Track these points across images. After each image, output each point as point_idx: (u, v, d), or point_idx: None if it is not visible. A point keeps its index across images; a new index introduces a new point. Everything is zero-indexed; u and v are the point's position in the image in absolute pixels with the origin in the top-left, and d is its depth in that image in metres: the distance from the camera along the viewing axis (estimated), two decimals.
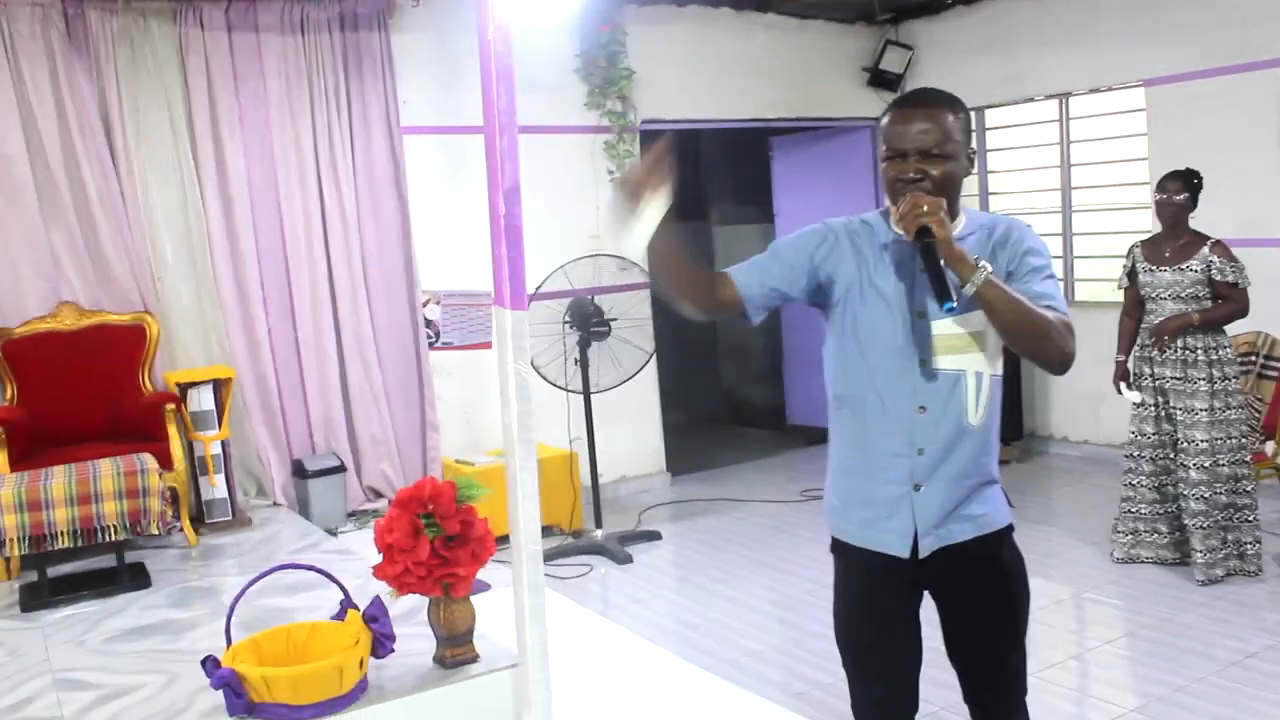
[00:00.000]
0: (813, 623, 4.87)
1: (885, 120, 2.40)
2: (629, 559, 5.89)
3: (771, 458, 8.32)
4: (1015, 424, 7.56)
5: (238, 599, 2.99)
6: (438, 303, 6.63)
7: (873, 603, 2.59)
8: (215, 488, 5.68)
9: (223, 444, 5.74)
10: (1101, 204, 7.37)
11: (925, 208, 2.24)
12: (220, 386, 5.72)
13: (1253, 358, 5.61)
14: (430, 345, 6.60)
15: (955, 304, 2.29)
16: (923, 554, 2.47)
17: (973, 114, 7.87)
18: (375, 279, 6.44)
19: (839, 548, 2.61)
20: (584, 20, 6.87)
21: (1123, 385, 5.29)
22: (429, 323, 6.60)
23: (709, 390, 10.06)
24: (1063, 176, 7.51)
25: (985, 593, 2.56)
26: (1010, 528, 2.54)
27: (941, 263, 2.28)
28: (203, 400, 5.66)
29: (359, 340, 6.39)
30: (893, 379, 2.43)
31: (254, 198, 6.14)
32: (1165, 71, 6.76)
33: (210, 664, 2.92)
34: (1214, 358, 5.00)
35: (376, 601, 3.03)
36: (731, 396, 10.14)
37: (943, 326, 2.39)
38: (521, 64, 6.73)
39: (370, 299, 6.42)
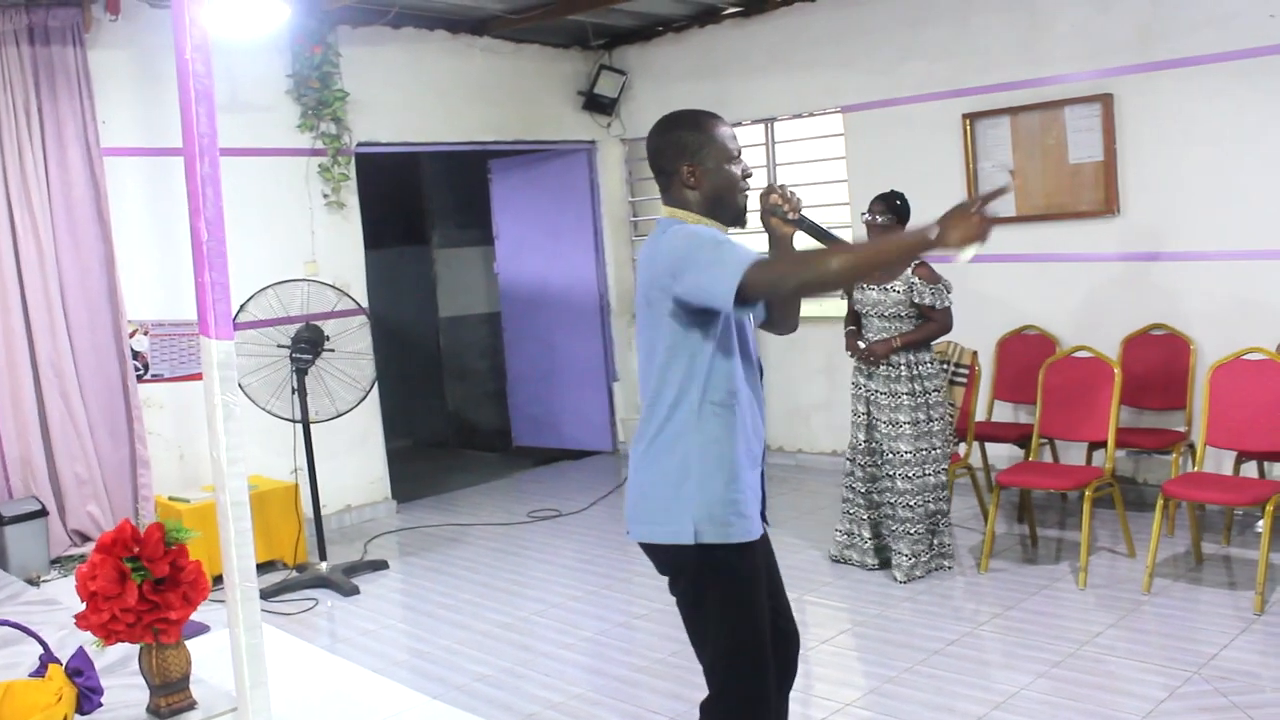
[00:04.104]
0: (543, 643, 4.91)
1: (714, 131, 2.73)
2: (355, 590, 5.77)
3: (498, 480, 8.34)
4: None
5: None
6: (146, 333, 6.33)
7: (765, 573, 2.81)
8: None
9: None
10: None
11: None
12: None
13: (945, 366, 6.00)
14: (139, 378, 6.28)
15: None
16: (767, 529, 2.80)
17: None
18: (75, 309, 6.07)
19: (744, 552, 2.69)
20: (295, 40, 6.72)
21: (858, 343, 5.47)
22: (136, 354, 6.28)
23: (434, 414, 10.00)
24: None
25: None
26: None
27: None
28: None
29: (59, 375, 6.01)
30: (752, 369, 2.71)
31: None
32: (861, 99, 7.18)
33: None
34: (915, 372, 5.32)
35: (80, 653, 2.85)
36: (457, 420, 10.10)
37: (752, 317, 2.78)
38: (230, 84, 6.60)
39: (71, 330, 6.05)
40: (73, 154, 6.02)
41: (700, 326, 2.60)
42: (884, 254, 2.42)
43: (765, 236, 2.84)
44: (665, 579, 2.80)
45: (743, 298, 2.42)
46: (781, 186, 2.76)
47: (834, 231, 2.87)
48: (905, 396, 5.31)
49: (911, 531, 5.32)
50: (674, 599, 2.80)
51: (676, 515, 2.63)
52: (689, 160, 2.70)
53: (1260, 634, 4.42)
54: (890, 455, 5.35)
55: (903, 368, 5.33)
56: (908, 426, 5.30)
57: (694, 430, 2.62)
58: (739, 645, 2.68)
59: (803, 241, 2.86)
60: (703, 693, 2.81)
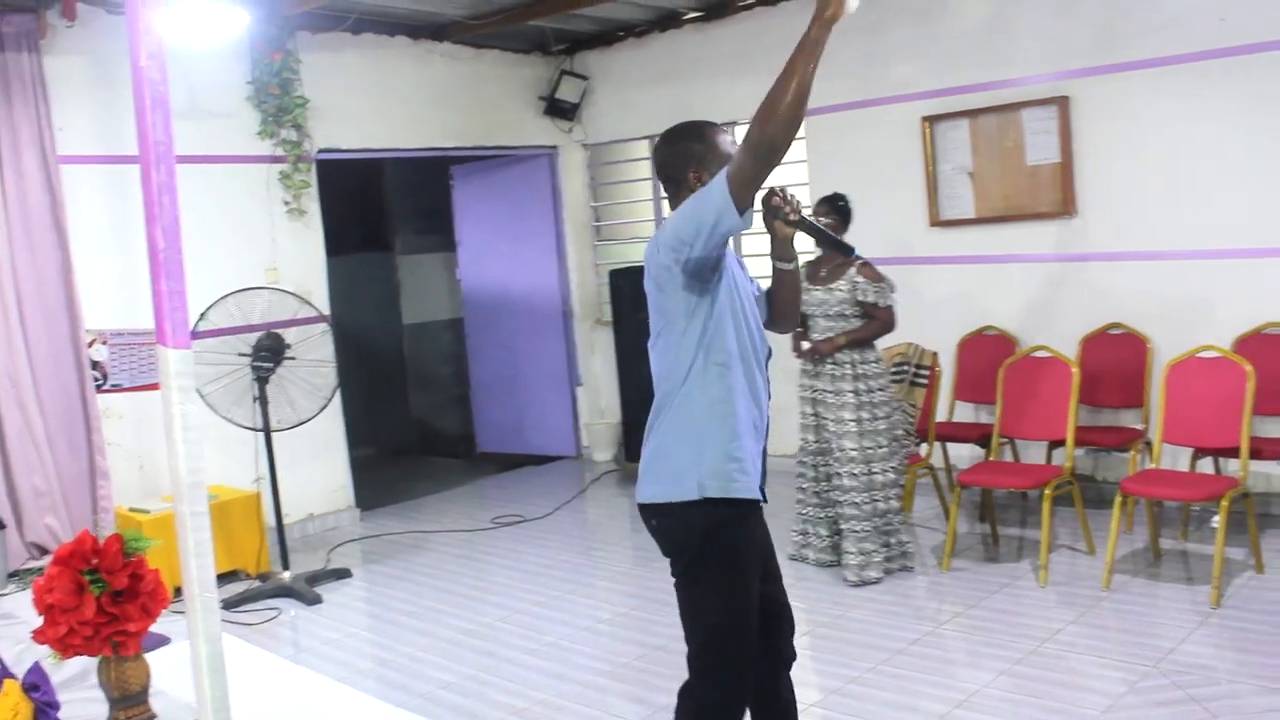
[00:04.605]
0: (506, 649, 4.91)
1: (716, 139, 2.95)
2: (318, 599, 5.74)
3: (462, 486, 8.32)
4: None
5: None
6: (104, 342, 6.27)
7: (761, 555, 2.90)
8: None
9: None
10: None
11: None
12: None
13: (905, 367, 6.04)
14: (98, 388, 6.22)
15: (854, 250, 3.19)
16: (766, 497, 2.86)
17: (647, 141, 8.17)
18: (32, 319, 6.00)
19: (745, 516, 2.79)
20: (254, 47, 6.68)
21: (803, 344, 5.49)
22: (95, 364, 6.22)
23: (398, 422, 9.96)
24: None
25: None
26: None
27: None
28: None
29: (16, 385, 5.94)
30: (759, 335, 2.85)
31: None
32: (822, 102, 7.19)
33: None
34: (860, 371, 5.36)
35: (36, 668, 2.83)
36: (421, 427, 10.06)
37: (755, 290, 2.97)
38: (189, 91, 6.56)
39: (28, 340, 5.98)
40: (28, 161, 5.95)
41: (709, 294, 2.76)
42: (798, 64, 2.64)
43: (767, 237, 2.98)
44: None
45: (739, 200, 2.54)
46: (782, 190, 2.87)
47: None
48: (850, 395, 5.35)
49: (858, 530, 5.35)
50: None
51: (683, 473, 2.76)
52: (695, 167, 2.89)
53: (1216, 627, 4.48)
54: (838, 454, 5.38)
55: (847, 366, 5.36)
56: (852, 425, 5.33)
57: (699, 390, 2.76)
58: (728, 629, 2.78)
59: (802, 241, 3.00)
60: (669, 695, 2.82)
